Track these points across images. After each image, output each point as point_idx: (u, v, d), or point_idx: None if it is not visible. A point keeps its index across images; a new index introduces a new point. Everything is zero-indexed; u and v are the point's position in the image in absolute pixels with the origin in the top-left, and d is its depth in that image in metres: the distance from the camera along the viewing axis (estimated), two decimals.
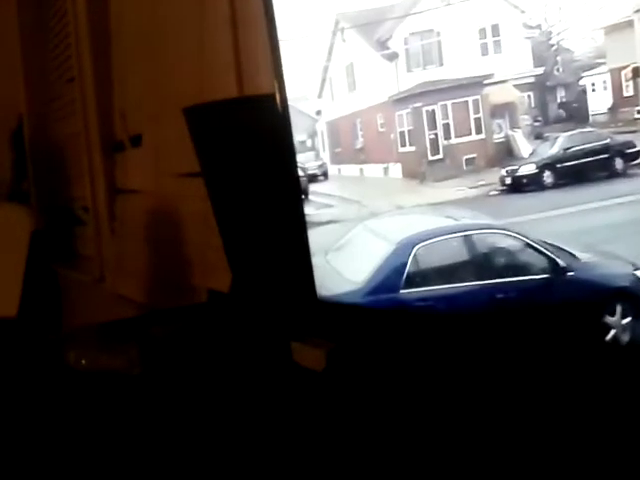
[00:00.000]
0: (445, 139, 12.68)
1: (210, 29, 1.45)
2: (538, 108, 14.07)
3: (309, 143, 18.47)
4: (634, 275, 5.41)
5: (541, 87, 14.07)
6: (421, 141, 12.81)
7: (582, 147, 10.31)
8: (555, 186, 10.29)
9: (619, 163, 10.06)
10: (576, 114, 13.59)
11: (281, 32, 1.35)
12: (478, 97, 12.65)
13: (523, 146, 12.48)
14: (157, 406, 1.30)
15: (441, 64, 13.30)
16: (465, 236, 5.90)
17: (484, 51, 13.40)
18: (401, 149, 13.58)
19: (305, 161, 15.50)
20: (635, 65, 11.25)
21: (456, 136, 12.67)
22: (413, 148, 13.03)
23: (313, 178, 15.41)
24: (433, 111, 12.76)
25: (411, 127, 13.02)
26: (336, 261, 6.30)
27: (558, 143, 10.84)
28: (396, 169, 13.78)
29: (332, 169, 16.95)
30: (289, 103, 1.37)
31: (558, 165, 10.43)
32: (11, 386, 1.34)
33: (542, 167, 10.58)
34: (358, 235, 6.95)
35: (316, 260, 1.59)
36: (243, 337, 1.41)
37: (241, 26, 1.37)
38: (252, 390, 1.32)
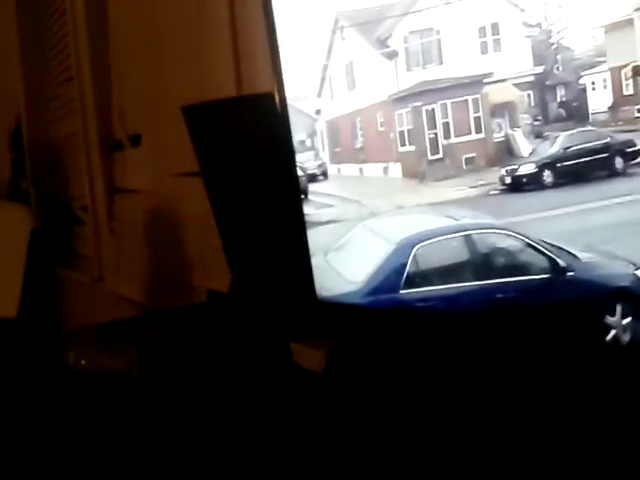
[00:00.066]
0: (445, 138, 12.69)
1: (209, 28, 1.44)
2: (538, 107, 14.08)
3: (308, 142, 18.48)
4: (634, 275, 5.40)
5: (541, 86, 14.08)
6: (421, 140, 12.82)
7: (582, 146, 10.31)
8: (555, 185, 10.29)
9: (619, 162, 10.06)
10: (576, 113, 13.61)
11: (280, 31, 1.35)
12: (478, 96, 12.65)
13: (523, 145, 12.48)
14: (157, 407, 1.29)
15: (441, 63, 13.31)
16: (465, 236, 5.89)
17: (484, 50, 13.41)
18: (401, 148, 13.58)
19: (304, 161, 15.51)
20: (635, 64, 11.26)
21: (456, 135, 12.67)
22: (413, 147, 13.04)
23: (312, 178, 15.42)
24: (433, 110, 12.77)
25: (411, 126, 13.03)
26: (336, 261, 6.29)
27: (558, 142, 10.83)
28: (396, 168, 13.79)
29: (332, 169, 16.96)
30: (288, 102, 1.36)
31: (558, 164, 10.42)
32: (11, 386, 1.34)
33: (542, 166, 10.58)
34: (358, 235, 6.93)
35: (316, 260, 1.58)
36: (243, 338, 1.40)
37: (240, 25, 1.36)
38: (252, 391, 1.31)
